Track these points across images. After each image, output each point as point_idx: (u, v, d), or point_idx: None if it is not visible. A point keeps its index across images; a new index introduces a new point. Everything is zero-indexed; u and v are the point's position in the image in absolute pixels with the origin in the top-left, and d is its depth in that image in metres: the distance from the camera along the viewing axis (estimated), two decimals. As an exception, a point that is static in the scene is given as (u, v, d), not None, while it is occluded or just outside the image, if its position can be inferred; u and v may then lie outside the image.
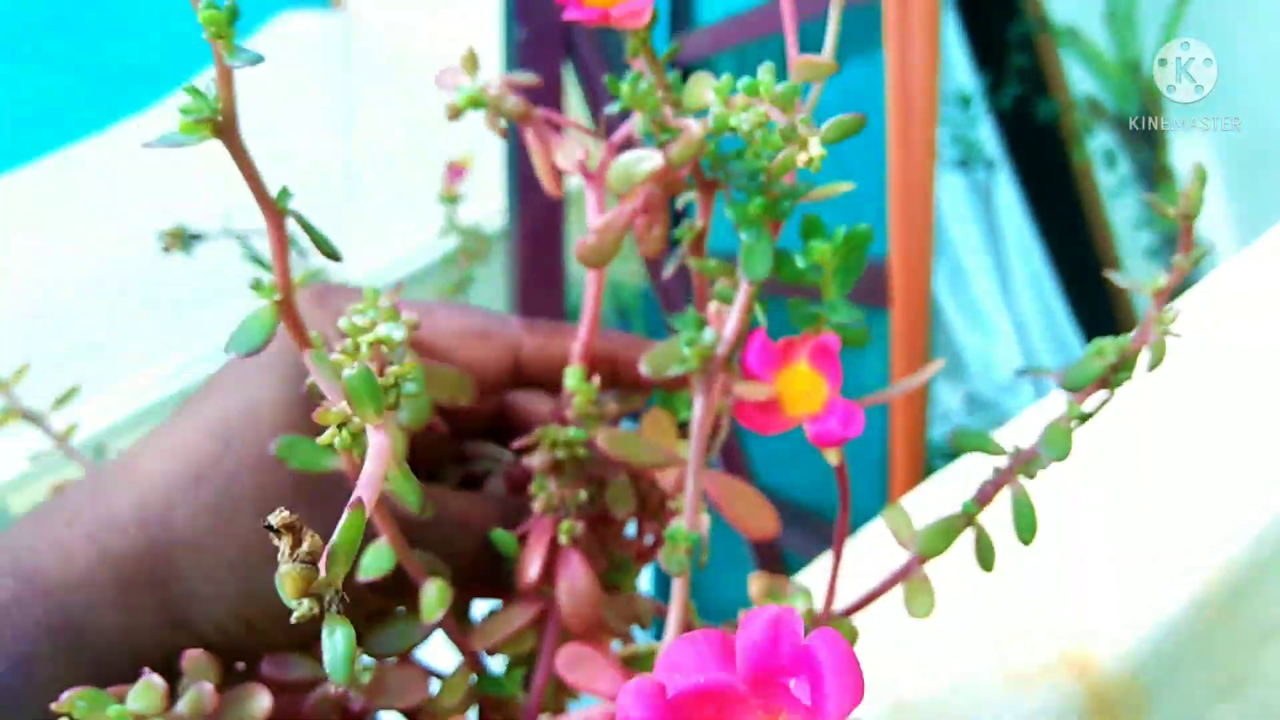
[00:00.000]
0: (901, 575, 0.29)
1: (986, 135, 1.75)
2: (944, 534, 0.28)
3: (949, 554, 0.34)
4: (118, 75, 1.20)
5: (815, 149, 0.20)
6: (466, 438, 0.31)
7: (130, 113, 1.29)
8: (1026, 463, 0.28)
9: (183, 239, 0.59)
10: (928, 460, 1.29)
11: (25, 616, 0.24)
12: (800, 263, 0.23)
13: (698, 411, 0.25)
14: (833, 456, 0.25)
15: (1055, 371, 0.28)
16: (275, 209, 0.19)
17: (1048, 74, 1.60)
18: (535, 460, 0.27)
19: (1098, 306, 1.90)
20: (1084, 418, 0.28)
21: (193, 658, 0.25)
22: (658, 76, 0.25)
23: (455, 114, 0.26)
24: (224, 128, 0.17)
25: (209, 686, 0.24)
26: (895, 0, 0.98)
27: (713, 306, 0.26)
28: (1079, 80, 1.68)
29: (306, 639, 0.27)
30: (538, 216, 1.27)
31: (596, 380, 0.28)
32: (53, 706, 0.22)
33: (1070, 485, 0.55)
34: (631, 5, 0.23)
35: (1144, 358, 0.28)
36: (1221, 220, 1.81)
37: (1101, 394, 0.28)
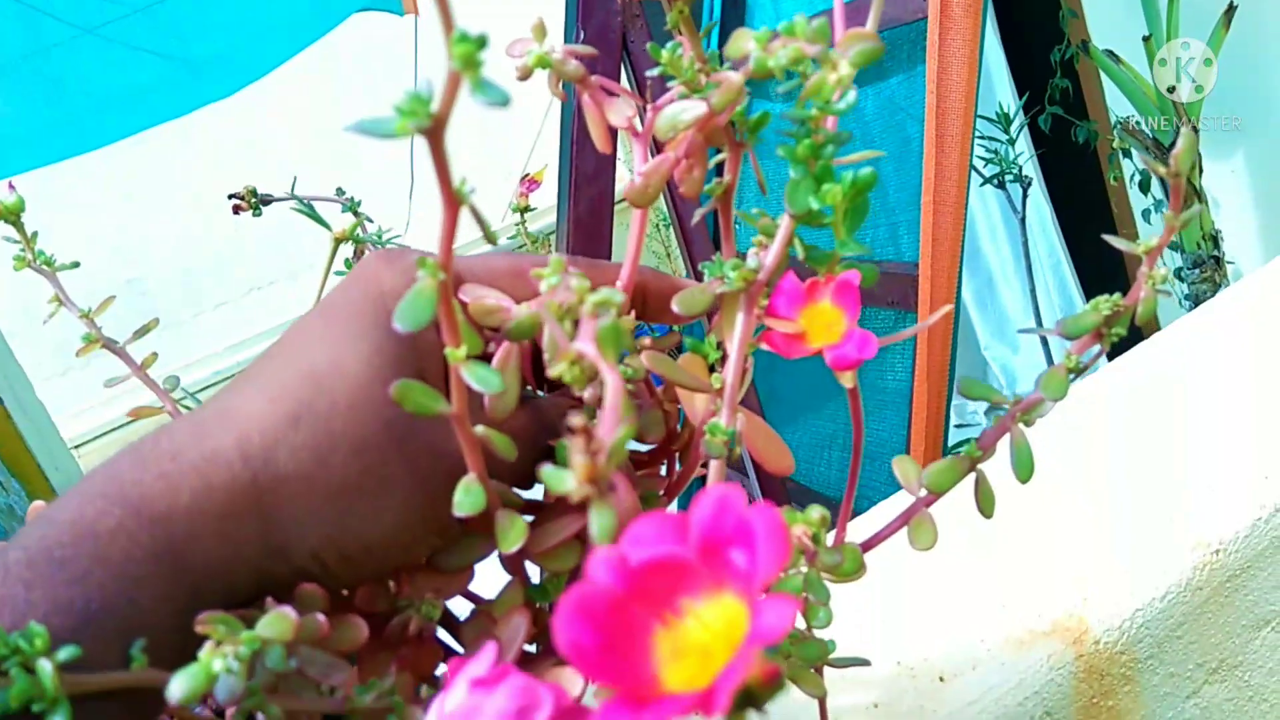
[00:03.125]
0: (910, 514, 0.32)
1: (1024, 153, 1.77)
2: (949, 471, 0.31)
3: (958, 529, 0.34)
4: (201, 65, 1.27)
5: (844, 68, 0.24)
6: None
7: (212, 99, 1.36)
8: (1026, 410, 0.31)
9: (253, 200, 0.65)
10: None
11: (133, 542, 0.26)
12: (814, 204, 0.25)
13: (739, 328, 0.27)
14: (847, 380, 0.27)
15: (1057, 325, 0.31)
16: (455, 199, 0.21)
17: (1087, 97, 1.62)
18: (578, 391, 0.29)
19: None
20: (1080, 369, 0.31)
21: (306, 591, 0.28)
22: (695, 49, 0.28)
23: (525, 75, 0.28)
24: (434, 131, 0.19)
25: (322, 617, 0.26)
26: (939, 20, 1.01)
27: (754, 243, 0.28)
28: (1115, 102, 1.71)
29: (388, 568, 0.30)
30: (590, 207, 1.33)
31: (632, 314, 0.30)
32: (196, 627, 0.24)
33: (1081, 462, 0.57)
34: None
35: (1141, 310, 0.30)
36: (1250, 239, 1.82)
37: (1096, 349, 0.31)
